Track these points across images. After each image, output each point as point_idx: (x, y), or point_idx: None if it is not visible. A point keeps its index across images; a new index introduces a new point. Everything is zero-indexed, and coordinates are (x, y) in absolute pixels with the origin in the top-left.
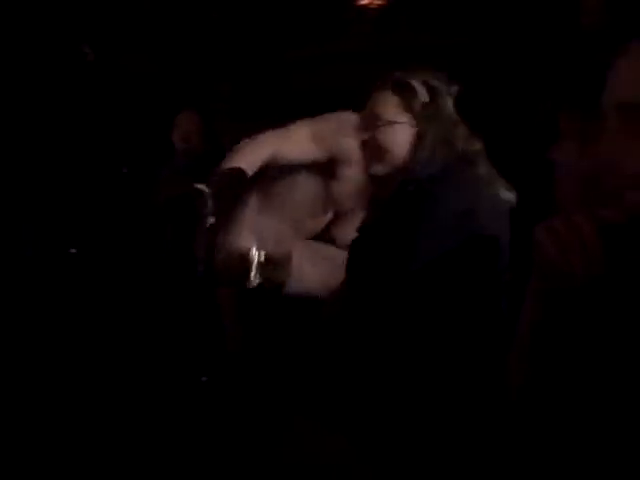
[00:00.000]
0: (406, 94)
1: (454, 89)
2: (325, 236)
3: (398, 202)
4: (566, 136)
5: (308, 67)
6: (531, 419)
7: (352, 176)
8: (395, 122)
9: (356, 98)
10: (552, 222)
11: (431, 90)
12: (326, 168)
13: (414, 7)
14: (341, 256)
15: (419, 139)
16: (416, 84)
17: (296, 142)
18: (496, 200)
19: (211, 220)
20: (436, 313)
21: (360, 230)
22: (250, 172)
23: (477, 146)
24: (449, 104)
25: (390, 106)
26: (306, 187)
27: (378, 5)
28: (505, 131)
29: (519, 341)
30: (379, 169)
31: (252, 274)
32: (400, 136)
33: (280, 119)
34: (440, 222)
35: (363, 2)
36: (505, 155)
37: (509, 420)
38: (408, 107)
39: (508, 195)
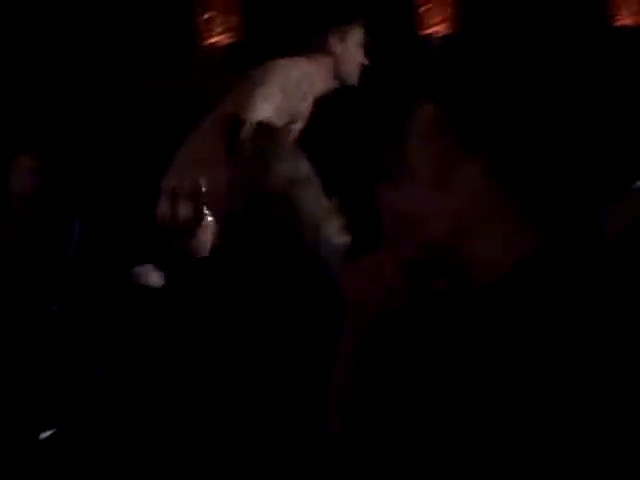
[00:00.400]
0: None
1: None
2: None
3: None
4: (389, 171)
5: (156, 100)
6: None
7: None
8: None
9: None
10: (359, 260)
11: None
12: None
13: (262, 45)
14: None
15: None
16: (234, 123)
17: None
18: (328, 243)
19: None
20: (266, 364)
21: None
22: None
23: (304, 188)
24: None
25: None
26: None
27: (226, 43)
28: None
29: (337, 374)
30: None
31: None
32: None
33: (126, 152)
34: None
35: (211, 40)
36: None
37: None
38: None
39: (340, 238)
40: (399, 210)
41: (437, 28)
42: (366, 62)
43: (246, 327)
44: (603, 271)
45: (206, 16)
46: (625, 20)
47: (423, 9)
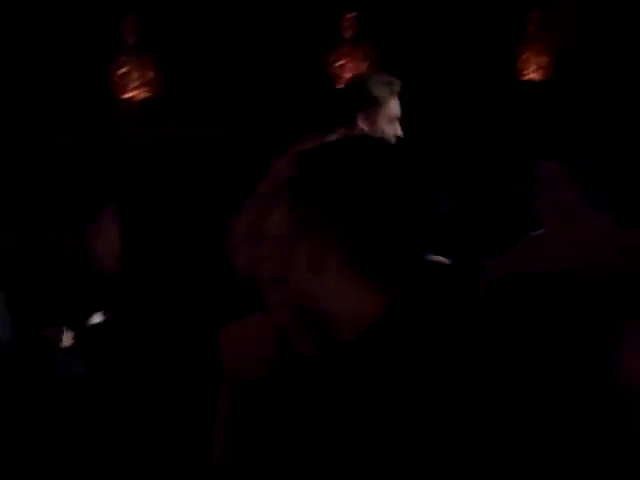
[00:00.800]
0: None
1: None
2: None
3: None
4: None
5: (76, 154)
6: None
7: None
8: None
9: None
10: (234, 325)
11: None
12: None
13: (178, 100)
14: None
15: None
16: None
17: None
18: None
19: None
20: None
21: None
22: None
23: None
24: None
25: None
26: None
27: (143, 98)
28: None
29: (219, 425)
30: None
31: None
32: None
33: (49, 209)
34: None
35: (129, 94)
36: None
37: None
38: None
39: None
40: (264, 274)
41: None
42: (400, 134)
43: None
44: (454, 325)
45: (122, 71)
46: (532, 75)
47: (338, 64)
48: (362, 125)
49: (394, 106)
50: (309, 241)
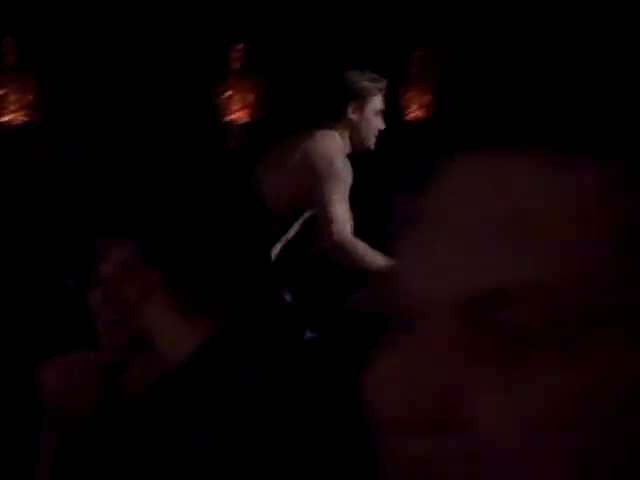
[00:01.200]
0: None
1: None
2: None
3: None
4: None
5: None
6: None
7: None
8: None
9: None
10: (54, 362)
11: None
12: None
13: (58, 125)
14: None
15: None
16: None
17: None
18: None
19: None
20: None
21: None
22: None
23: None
24: None
25: None
26: None
27: (22, 122)
28: None
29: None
30: None
31: None
32: None
33: None
34: None
35: (4, 118)
36: None
37: None
38: None
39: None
40: (98, 317)
41: (238, 114)
42: (383, 127)
43: None
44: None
45: None
46: (415, 113)
47: (224, 96)
48: (352, 116)
49: (378, 100)
50: (136, 280)
